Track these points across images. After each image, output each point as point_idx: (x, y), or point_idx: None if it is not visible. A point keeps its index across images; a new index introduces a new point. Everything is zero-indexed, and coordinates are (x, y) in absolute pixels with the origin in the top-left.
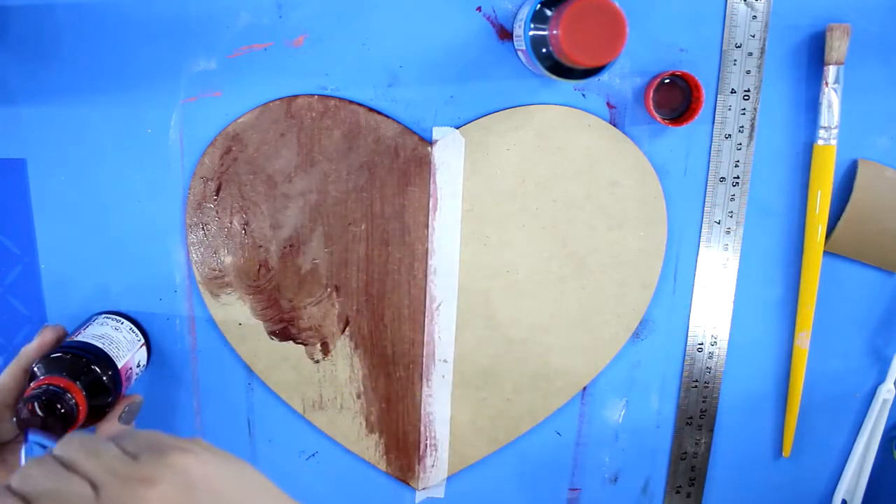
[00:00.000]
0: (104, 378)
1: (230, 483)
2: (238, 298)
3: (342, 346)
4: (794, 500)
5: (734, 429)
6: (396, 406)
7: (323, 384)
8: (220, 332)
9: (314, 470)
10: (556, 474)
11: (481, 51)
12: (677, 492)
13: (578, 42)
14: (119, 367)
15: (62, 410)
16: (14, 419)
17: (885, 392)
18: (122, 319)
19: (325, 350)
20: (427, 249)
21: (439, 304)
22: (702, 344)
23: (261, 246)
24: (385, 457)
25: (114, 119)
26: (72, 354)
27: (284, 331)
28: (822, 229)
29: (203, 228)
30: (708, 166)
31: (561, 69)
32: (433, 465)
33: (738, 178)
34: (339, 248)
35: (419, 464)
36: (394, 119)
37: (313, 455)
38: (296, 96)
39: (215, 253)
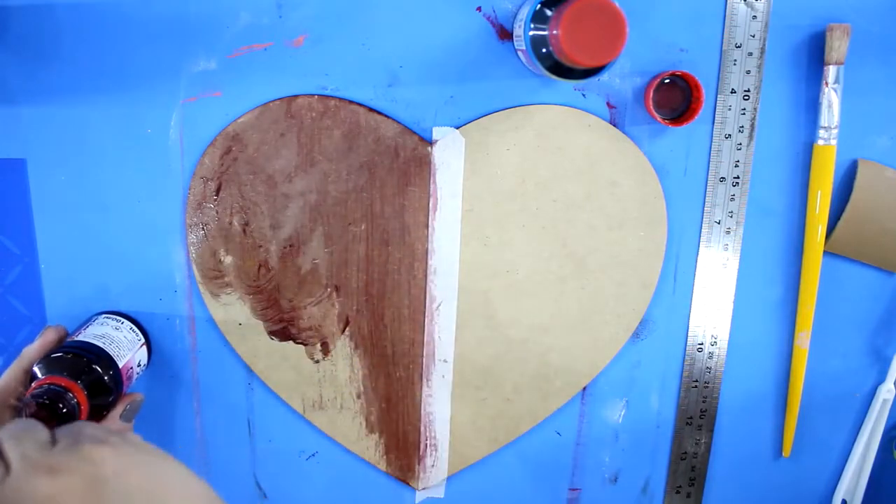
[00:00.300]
0: (105, 377)
1: (147, 478)
2: (238, 298)
3: (342, 346)
4: (794, 500)
5: (734, 429)
6: (396, 406)
7: (323, 384)
8: (220, 332)
9: (314, 470)
10: (556, 474)
11: (481, 51)
12: (677, 492)
13: (578, 42)
14: (120, 366)
15: (64, 410)
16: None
17: (885, 392)
18: (123, 319)
19: (325, 350)
20: (427, 249)
21: (439, 304)
22: (702, 344)
23: (261, 246)
24: (385, 457)
25: (114, 119)
26: (73, 354)
27: (284, 331)
28: (822, 229)
29: (203, 228)
30: (708, 166)
31: (561, 69)
32: (433, 465)
33: (738, 178)
34: (339, 248)
35: (419, 464)
36: (394, 119)
37: (313, 455)
38: (296, 96)
39: (215, 253)
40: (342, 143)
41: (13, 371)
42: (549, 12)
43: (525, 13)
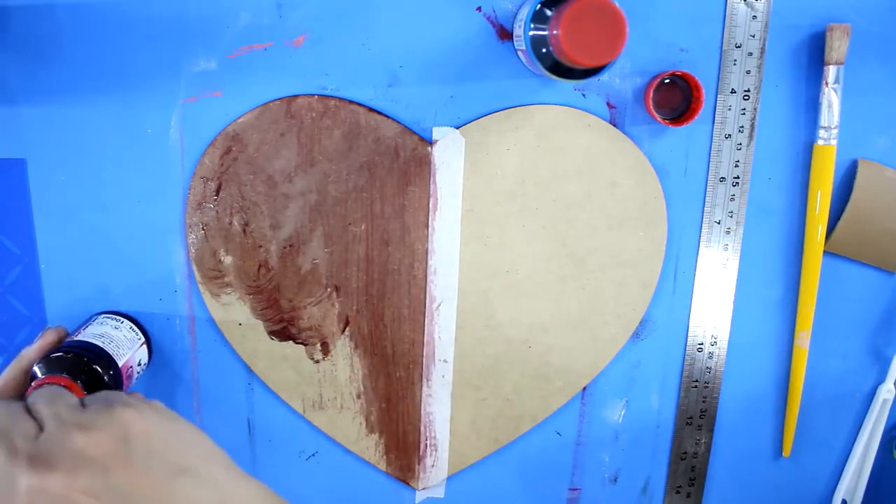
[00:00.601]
0: (105, 377)
1: (170, 444)
2: (238, 298)
3: (342, 346)
4: (794, 500)
5: (734, 429)
6: (396, 406)
7: (323, 384)
8: (220, 332)
9: (314, 470)
10: (556, 474)
11: (481, 51)
12: (677, 492)
13: (578, 42)
14: (119, 365)
15: None
16: None
17: (885, 392)
18: (122, 319)
19: (325, 350)
20: (427, 249)
21: (439, 304)
22: (702, 344)
23: (261, 246)
24: (385, 457)
25: (114, 119)
26: (72, 353)
27: (284, 331)
28: (822, 229)
29: (203, 228)
30: (708, 166)
31: (561, 69)
32: (433, 465)
33: (738, 178)
34: (339, 248)
35: (419, 464)
36: (394, 119)
37: (313, 455)
38: (296, 96)
39: (215, 253)
40: (342, 143)
41: (11, 372)
42: (549, 12)
43: (525, 13)
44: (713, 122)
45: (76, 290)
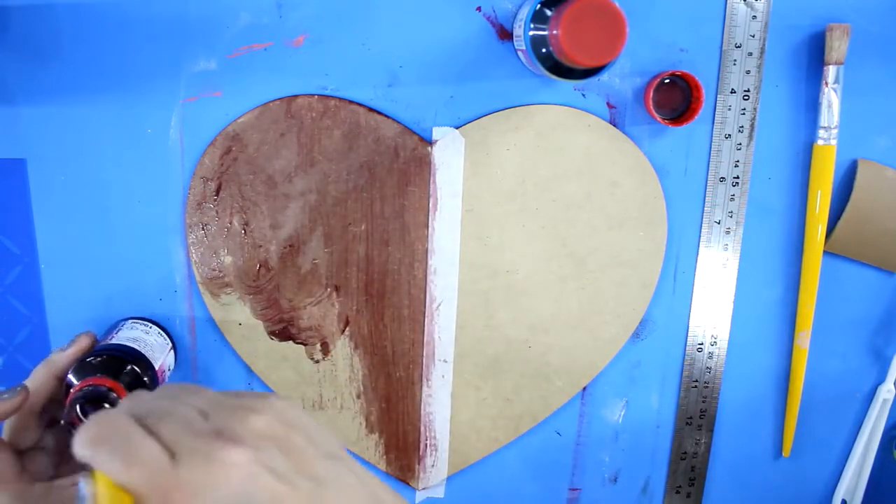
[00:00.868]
0: (145, 379)
1: (318, 431)
2: (238, 298)
3: (342, 346)
4: (794, 500)
5: (734, 429)
6: (396, 406)
7: (323, 384)
8: (220, 332)
9: None
10: (556, 474)
11: (481, 51)
12: (677, 492)
13: (578, 42)
14: (156, 368)
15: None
16: (53, 423)
17: (885, 392)
18: (150, 324)
19: (325, 350)
20: (427, 249)
21: (439, 304)
22: (702, 344)
23: (261, 246)
24: (385, 457)
25: (114, 119)
26: (112, 356)
27: (284, 331)
28: (822, 229)
29: (203, 228)
30: (708, 166)
31: (561, 69)
32: (433, 465)
33: (738, 178)
34: (339, 248)
35: (419, 464)
36: (394, 119)
37: None
38: (296, 96)
39: (215, 253)
40: (342, 143)
41: (42, 376)
42: (549, 12)
43: (525, 13)
44: (713, 122)
45: (76, 290)
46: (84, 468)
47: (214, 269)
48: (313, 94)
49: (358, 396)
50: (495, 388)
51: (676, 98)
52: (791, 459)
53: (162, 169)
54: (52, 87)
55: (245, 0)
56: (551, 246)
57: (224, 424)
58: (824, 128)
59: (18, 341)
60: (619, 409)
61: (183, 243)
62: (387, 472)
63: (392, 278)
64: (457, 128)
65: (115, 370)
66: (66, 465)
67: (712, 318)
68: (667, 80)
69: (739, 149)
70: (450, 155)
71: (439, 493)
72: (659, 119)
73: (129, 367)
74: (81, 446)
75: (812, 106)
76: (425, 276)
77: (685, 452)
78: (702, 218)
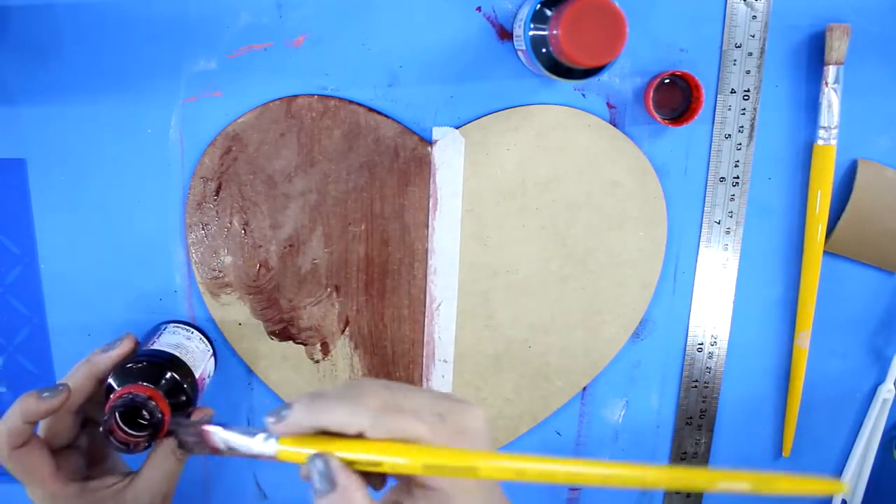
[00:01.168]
0: (185, 386)
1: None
2: (238, 298)
3: (342, 346)
4: (795, 500)
5: (734, 429)
6: None
7: (323, 384)
8: (220, 332)
9: None
10: None
11: (481, 51)
12: (677, 492)
13: (578, 42)
14: (196, 376)
15: (149, 420)
16: (99, 427)
17: (885, 392)
18: (192, 329)
19: (325, 350)
20: (427, 249)
21: (439, 304)
22: (702, 344)
23: (261, 246)
24: None
25: (114, 119)
26: (153, 363)
27: (284, 331)
28: (822, 229)
29: (203, 228)
30: (708, 166)
31: (561, 69)
32: None
33: (738, 178)
34: (339, 248)
35: None
36: (394, 119)
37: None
38: (296, 96)
39: (215, 253)
40: (342, 143)
41: (82, 376)
42: (549, 12)
43: (525, 13)
44: (713, 122)
45: (76, 290)
46: (118, 470)
47: (214, 269)
48: (313, 94)
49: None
50: (495, 388)
51: (676, 98)
52: (791, 459)
53: (162, 169)
54: (52, 87)
55: (245, 0)
56: (551, 246)
57: (461, 399)
58: (824, 128)
59: (18, 341)
60: (619, 409)
61: (183, 243)
62: None
63: (392, 278)
64: (457, 128)
65: (155, 377)
66: (98, 465)
67: (712, 318)
68: (667, 80)
69: (739, 149)
70: (450, 155)
71: None
72: (659, 119)
73: (169, 375)
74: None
75: (812, 106)
76: (425, 276)
77: (685, 452)
78: (702, 218)
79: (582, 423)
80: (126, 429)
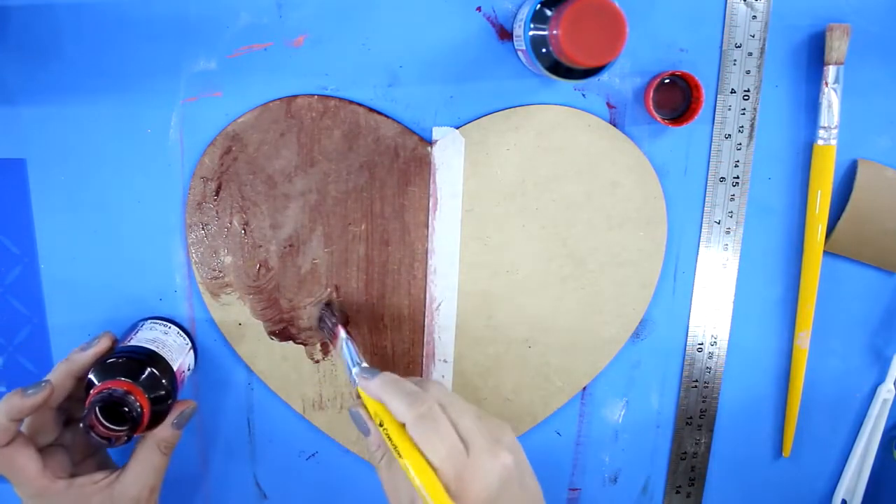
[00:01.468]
0: (164, 381)
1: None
2: (238, 298)
3: None
4: (794, 500)
5: (734, 429)
6: None
7: (323, 384)
8: (220, 332)
9: (314, 470)
10: (556, 474)
11: (481, 51)
12: (677, 492)
13: (578, 42)
14: (174, 370)
15: (128, 414)
16: (79, 423)
17: (885, 392)
18: (169, 324)
19: (325, 350)
20: (427, 249)
21: (439, 304)
22: (702, 344)
23: (261, 246)
24: None
25: (114, 119)
26: (130, 358)
27: (284, 331)
28: (822, 229)
29: (203, 228)
30: (708, 166)
31: (561, 69)
32: None
33: (738, 178)
34: (339, 248)
35: None
36: (394, 119)
37: (313, 455)
38: (296, 96)
39: (215, 253)
40: (342, 143)
41: (61, 374)
42: (549, 12)
43: (525, 13)
44: (713, 122)
45: (76, 290)
46: (104, 466)
47: (214, 269)
48: (313, 94)
49: (358, 396)
50: (495, 388)
51: (676, 98)
52: (791, 459)
53: (162, 169)
54: (52, 87)
55: (245, 0)
56: (551, 246)
57: (498, 434)
58: (824, 128)
59: (18, 341)
60: (619, 409)
61: (183, 243)
62: None
63: (392, 278)
64: (457, 128)
65: (133, 372)
66: (85, 462)
67: (712, 318)
68: (667, 80)
69: (739, 149)
70: (450, 155)
71: None
72: (659, 119)
73: (147, 369)
74: (400, 415)
75: (812, 106)
76: (425, 276)
77: (685, 452)
78: (702, 218)
79: (582, 423)
80: (107, 423)
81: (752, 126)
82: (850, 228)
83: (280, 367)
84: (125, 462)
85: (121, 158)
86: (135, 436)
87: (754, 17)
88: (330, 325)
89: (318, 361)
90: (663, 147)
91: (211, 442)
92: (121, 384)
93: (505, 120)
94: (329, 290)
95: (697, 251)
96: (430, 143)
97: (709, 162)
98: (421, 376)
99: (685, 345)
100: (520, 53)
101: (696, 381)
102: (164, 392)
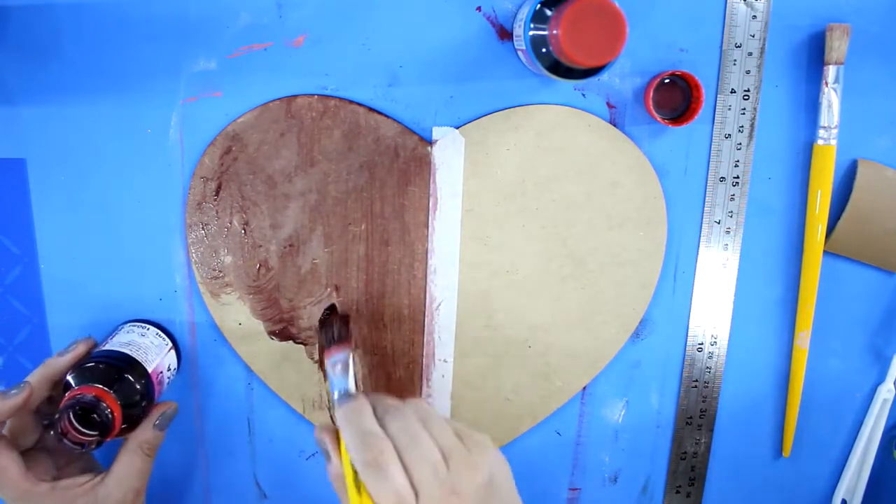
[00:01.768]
0: (137, 385)
1: (509, 483)
2: (238, 298)
3: None
4: (794, 500)
5: (734, 429)
6: None
7: (323, 384)
8: (221, 333)
9: (314, 470)
10: (556, 474)
11: (481, 51)
12: (677, 492)
13: (578, 42)
14: (150, 371)
15: (99, 419)
16: (49, 429)
17: (885, 392)
18: (148, 325)
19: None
20: (427, 249)
21: (439, 304)
22: (702, 344)
23: (261, 246)
24: None
25: (114, 119)
26: (103, 363)
27: (284, 331)
28: (822, 229)
29: (203, 228)
30: (708, 166)
31: (561, 69)
32: None
33: (738, 178)
34: (339, 248)
35: None
36: (394, 119)
37: (313, 455)
38: (296, 96)
39: (215, 253)
40: (342, 143)
41: (38, 379)
42: (549, 12)
43: (525, 13)
44: (713, 122)
45: (76, 290)
46: (88, 469)
47: (214, 269)
48: (313, 94)
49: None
50: (495, 388)
51: (676, 98)
52: (791, 459)
53: (162, 169)
54: (52, 87)
55: (245, 0)
56: (551, 246)
57: (458, 481)
58: (824, 128)
59: (18, 341)
60: (619, 409)
61: (183, 243)
62: None
63: (392, 278)
64: (457, 128)
65: (107, 376)
66: (69, 466)
67: (712, 318)
68: (667, 80)
69: (739, 149)
70: (450, 155)
71: None
72: (659, 119)
73: (118, 374)
74: (353, 459)
75: (812, 106)
76: (425, 276)
77: (685, 452)
78: (702, 218)
79: (582, 423)
80: (80, 428)
81: (752, 126)
82: (850, 228)
83: (280, 367)
84: (110, 465)
85: (121, 158)
86: (109, 440)
87: (754, 16)
88: (332, 337)
89: (318, 361)
90: (663, 147)
91: (211, 442)
92: (90, 390)
93: (505, 120)
94: (329, 289)
95: (697, 251)
96: (430, 143)
97: (709, 162)
98: (421, 376)
99: (685, 345)
100: (520, 53)
101: (696, 381)
102: (138, 396)
